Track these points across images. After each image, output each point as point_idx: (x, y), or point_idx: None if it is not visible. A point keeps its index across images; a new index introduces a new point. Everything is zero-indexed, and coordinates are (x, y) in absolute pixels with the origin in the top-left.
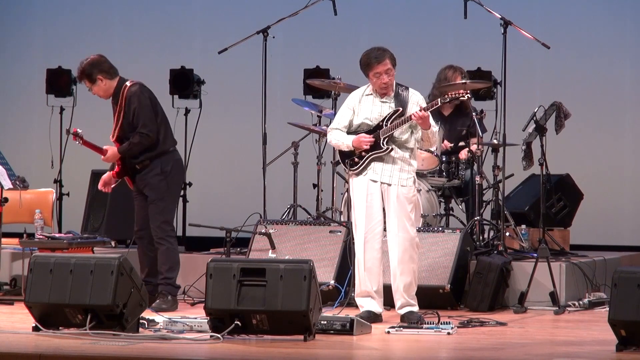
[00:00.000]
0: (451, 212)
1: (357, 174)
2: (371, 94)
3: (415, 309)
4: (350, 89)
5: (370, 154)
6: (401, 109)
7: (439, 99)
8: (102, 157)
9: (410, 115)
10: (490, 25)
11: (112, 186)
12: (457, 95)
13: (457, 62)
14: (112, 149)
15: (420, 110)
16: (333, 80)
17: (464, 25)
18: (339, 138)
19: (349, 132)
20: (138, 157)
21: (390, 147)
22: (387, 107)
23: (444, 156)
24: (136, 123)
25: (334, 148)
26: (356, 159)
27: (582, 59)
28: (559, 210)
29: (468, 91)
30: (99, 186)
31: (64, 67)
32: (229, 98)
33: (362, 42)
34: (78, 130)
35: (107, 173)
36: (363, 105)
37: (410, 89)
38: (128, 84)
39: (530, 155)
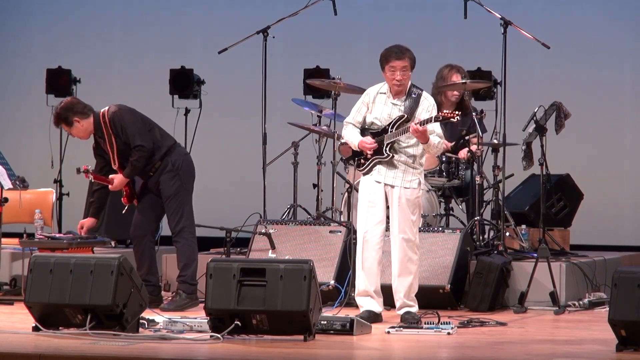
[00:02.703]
0: (451, 212)
1: (364, 174)
2: (385, 93)
3: (414, 309)
4: (350, 89)
5: (374, 157)
6: (407, 115)
7: (432, 117)
8: (110, 186)
9: (409, 127)
10: (490, 25)
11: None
12: (449, 116)
13: (457, 62)
14: (117, 177)
15: (415, 124)
16: (333, 80)
17: (464, 25)
18: (349, 136)
19: (362, 128)
20: (148, 166)
21: (391, 155)
22: (396, 110)
23: (444, 156)
24: (129, 142)
25: (333, 148)
26: (362, 160)
27: (582, 59)
28: (559, 210)
29: (458, 113)
30: (79, 230)
31: (64, 67)
32: (229, 98)
33: (362, 42)
34: (88, 167)
35: (89, 219)
36: (377, 104)
37: (424, 92)
38: (103, 111)
39: (530, 155)
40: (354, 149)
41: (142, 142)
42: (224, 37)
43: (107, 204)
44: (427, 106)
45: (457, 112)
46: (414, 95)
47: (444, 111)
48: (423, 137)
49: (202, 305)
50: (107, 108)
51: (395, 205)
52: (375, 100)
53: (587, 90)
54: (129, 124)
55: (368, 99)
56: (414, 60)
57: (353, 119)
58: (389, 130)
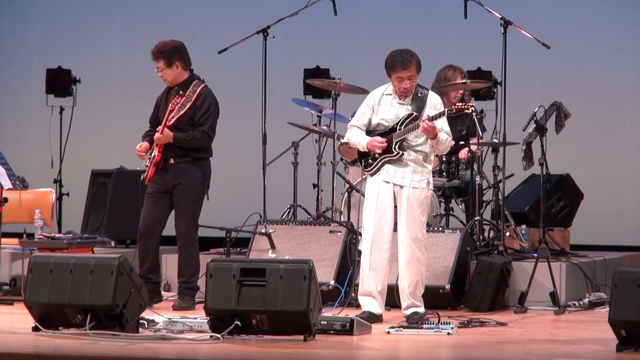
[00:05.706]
0: (451, 212)
1: (372, 175)
2: (391, 94)
3: (421, 309)
4: (350, 89)
5: (383, 156)
6: (415, 113)
7: (446, 110)
8: (156, 135)
9: (419, 123)
10: (490, 25)
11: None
12: (463, 108)
13: (457, 62)
14: (169, 132)
15: (424, 121)
16: (333, 80)
17: (464, 25)
18: (356, 138)
19: (367, 131)
20: (186, 151)
21: (401, 153)
22: (404, 110)
23: (444, 156)
24: (201, 122)
25: (333, 148)
26: (370, 160)
27: (582, 59)
28: (559, 210)
29: (474, 105)
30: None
31: (64, 67)
32: (229, 98)
33: (362, 42)
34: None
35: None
36: (382, 105)
37: (430, 91)
38: (200, 81)
39: (531, 155)
40: (361, 150)
41: (212, 135)
42: (224, 37)
43: (107, 204)
44: (434, 104)
45: (471, 104)
46: (420, 95)
47: (457, 104)
48: (432, 133)
49: (202, 305)
50: (205, 83)
51: (404, 205)
52: (381, 101)
53: (587, 90)
54: (213, 111)
55: (373, 101)
56: (420, 65)
57: (358, 122)
58: (397, 128)
